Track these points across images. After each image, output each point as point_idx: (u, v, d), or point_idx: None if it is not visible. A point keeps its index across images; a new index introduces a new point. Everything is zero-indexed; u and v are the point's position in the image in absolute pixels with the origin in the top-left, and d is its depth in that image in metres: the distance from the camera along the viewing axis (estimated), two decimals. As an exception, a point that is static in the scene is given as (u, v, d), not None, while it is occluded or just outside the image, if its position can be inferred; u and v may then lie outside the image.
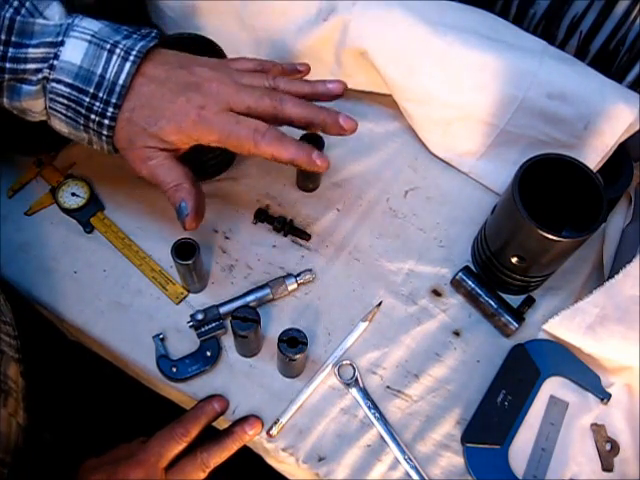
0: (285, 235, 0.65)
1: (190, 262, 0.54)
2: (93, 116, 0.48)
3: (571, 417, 0.57)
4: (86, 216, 0.63)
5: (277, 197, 0.67)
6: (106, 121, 0.48)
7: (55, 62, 0.47)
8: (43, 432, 0.58)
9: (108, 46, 0.48)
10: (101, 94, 0.48)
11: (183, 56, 0.52)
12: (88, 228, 0.63)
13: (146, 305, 0.60)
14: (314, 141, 0.61)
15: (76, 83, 0.47)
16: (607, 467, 0.56)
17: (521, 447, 0.56)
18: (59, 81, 0.47)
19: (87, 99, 0.48)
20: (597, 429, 0.57)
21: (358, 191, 0.68)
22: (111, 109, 0.48)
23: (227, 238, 0.64)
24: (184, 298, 0.61)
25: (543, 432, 0.57)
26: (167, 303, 0.61)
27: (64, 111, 0.49)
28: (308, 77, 0.69)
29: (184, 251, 0.55)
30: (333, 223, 0.66)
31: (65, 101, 0.48)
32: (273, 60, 0.56)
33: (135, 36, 0.49)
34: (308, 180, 0.66)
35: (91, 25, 0.48)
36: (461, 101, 0.65)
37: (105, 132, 0.49)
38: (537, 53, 0.62)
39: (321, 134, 0.61)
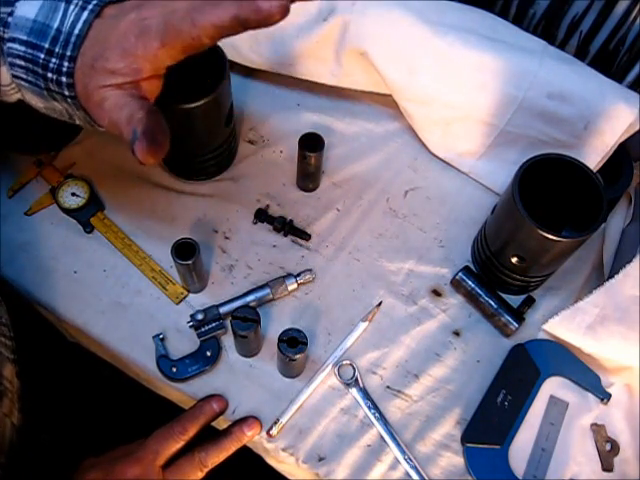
0: (285, 235, 0.65)
1: (190, 262, 0.54)
2: (50, 74, 0.43)
3: (571, 417, 0.57)
4: (86, 216, 0.63)
5: (277, 197, 0.67)
6: (63, 78, 0.43)
7: (9, 19, 0.43)
8: (41, 433, 0.58)
9: None
10: (57, 49, 0.42)
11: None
12: (88, 228, 0.63)
13: (146, 305, 0.60)
14: (314, 141, 0.61)
15: (30, 39, 0.43)
16: (607, 467, 0.56)
17: (521, 447, 0.56)
18: (14, 39, 0.43)
19: (42, 55, 0.43)
20: (597, 429, 0.57)
21: (358, 191, 0.68)
22: (66, 63, 0.42)
23: (227, 238, 0.64)
24: (184, 298, 0.61)
25: (543, 432, 0.57)
26: (167, 303, 0.61)
27: (24, 75, 0.44)
28: (308, 77, 0.69)
29: (184, 251, 0.55)
30: (333, 223, 0.66)
31: (22, 62, 0.43)
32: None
33: None
34: (308, 180, 0.66)
35: None
36: (461, 101, 0.65)
37: (67, 92, 0.43)
38: (537, 53, 0.62)
39: (321, 134, 0.62)
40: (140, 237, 0.63)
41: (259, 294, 0.60)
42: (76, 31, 0.42)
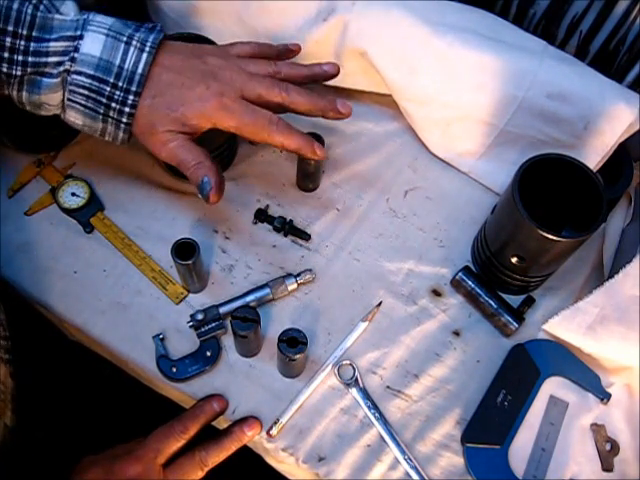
0: (285, 235, 0.65)
1: (190, 262, 0.54)
2: (114, 104, 0.51)
3: (571, 417, 0.57)
4: (86, 216, 0.63)
5: (277, 197, 0.67)
6: (127, 109, 0.51)
7: (76, 55, 0.49)
8: (36, 431, 0.58)
9: (124, 39, 0.50)
10: (121, 83, 0.50)
11: (192, 46, 0.55)
12: (88, 228, 0.63)
13: (146, 305, 0.60)
14: (315, 139, 0.61)
15: (97, 74, 0.50)
16: (607, 467, 0.56)
17: (521, 447, 0.56)
18: (80, 73, 0.50)
19: (108, 88, 0.50)
20: (597, 429, 0.57)
21: (358, 191, 0.68)
22: (131, 97, 0.51)
23: (227, 238, 0.64)
24: (184, 298, 0.61)
25: (543, 432, 0.57)
26: (167, 303, 0.61)
27: (84, 102, 0.51)
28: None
29: (184, 251, 0.55)
30: (333, 223, 0.66)
31: (86, 92, 0.50)
32: (266, 42, 0.59)
33: (143, 29, 0.52)
34: (308, 180, 0.66)
35: (105, 20, 0.51)
36: (461, 101, 0.65)
37: (125, 120, 0.52)
38: (537, 53, 0.62)
39: (321, 134, 0.62)
40: (140, 237, 0.63)
41: (259, 294, 0.60)
42: (139, 70, 0.50)
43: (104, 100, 0.51)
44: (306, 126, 0.70)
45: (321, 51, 0.67)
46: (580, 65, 0.64)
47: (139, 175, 0.67)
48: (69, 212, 0.63)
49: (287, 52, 0.60)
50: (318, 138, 0.62)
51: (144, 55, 0.50)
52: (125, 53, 0.50)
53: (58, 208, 0.63)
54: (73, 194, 0.64)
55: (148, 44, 0.51)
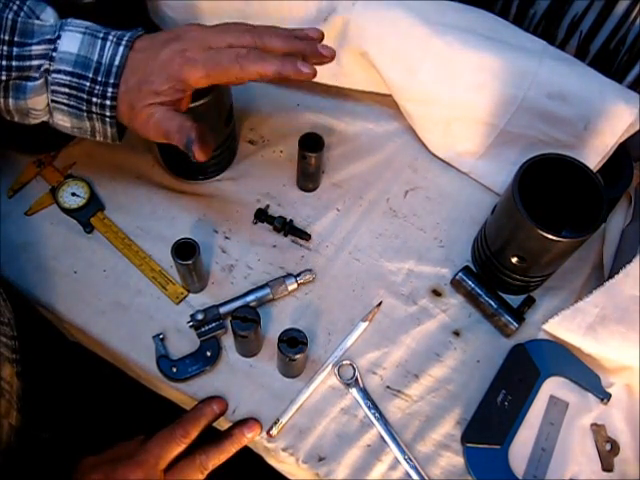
0: (285, 235, 0.65)
1: (190, 262, 0.54)
2: (95, 99, 0.51)
3: (571, 417, 0.57)
4: (86, 216, 0.63)
5: (277, 197, 0.67)
6: (107, 102, 0.51)
7: (54, 54, 0.50)
8: (41, 432, 0.58)
9: (101, 34, 0.51)
10: (100, 77, 0.50)
11: (170, 31, 0.54)
12: (88, 228, 0.63)
13: (146, 305, 0.60)
14: (314, 141, 0.61)
15: (76, 70, 0.50)
16: (607, 467, 0.56)
17: (521, 447, 0.56)
18: (59, 71, 0.50)
19: (87, 84, 0.50)
20: (597, 429, 0.57)
21: (358, 191, 0.68)
22: (110, 89, 0.50)
23: (227, 238, 0.64)
24: (184, 298, 0.61)
25: (543, 432, 0.57)
26: (167, 303, 0.61)
27: (66, 100, 0.51)
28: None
29: (184, 251, 0.55)
30: (333, 223, 0.66)
31: (67, 90, 0.51)
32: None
33: (122, 30, 0.52)
34: (308, 180, 0.66)
35: (82, 22, 0.52)
36: (461, 101, 0.65)
37: (108, 113, 0.52)
38: (537, 53, 0.62)
39: (321, 134, 0.62)
40: (140, 237, 0.63)
41: (259, 294, 0.60)
42: (116, 62, 0.50)
43: (85, 96, 0.51)
44: (305, 126, 0.71)
45: (321, 51, 0.67)
46: (580, 65, 0.64)
47: (139, 175, 0.67)
48: (69, 212, 0.63)
49: (304, 37, 0.54)
50: (318, 138, 0.62)
51: (120, 48, 0.50)
52: (102, 49, 0.50)
53: (58, 208, 0.63)
54: (73, 194, 0.64)
55: (125, 39, 0.51)
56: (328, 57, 0.52)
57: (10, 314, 0.54)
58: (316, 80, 0.69)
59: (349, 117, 0.72)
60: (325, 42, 0.65)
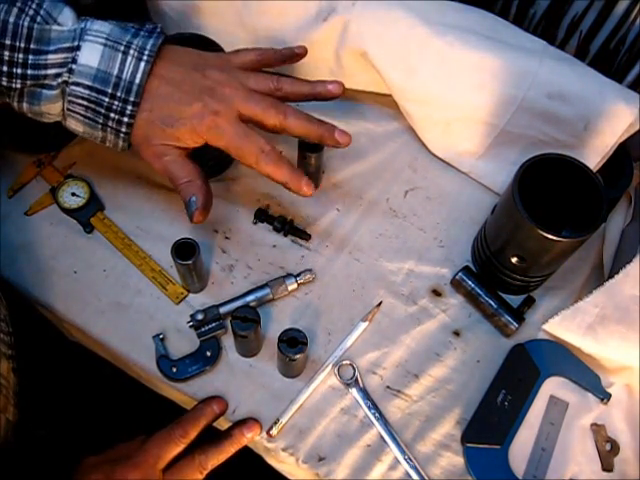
0: (285, 235, 0.65)
1: (190, 262, 0.54)
2: (112, 114, 0.51)
3: (571, 417, 0.57)
4: (86, 216, 0.63)
5: (277, 197, 0.67)
6: (125, 119, 0.51)
7: (74, 66, 0.49)
8: (37, 429, 0.58)
9: (122, 47, 0.50)
10: (119, 93, 0.50)
11: (194, 55, 0.55)
12: (88, 228, 0.63)
13: (146, 305, 0.60)
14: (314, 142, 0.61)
15: (95, 85, 0.50)
16: (607, 467, 0.56)
17: (521, 447, 0.56)
18: (78, 84, 0.50)
19: (106, 99, 0.50)
20: (597, 429, 0.57)
21: (358, 191, 0.68)
22: (130, 107, 0.50)
23: (227, 238, 0.64)
24: (184, 298, 0.61)
25: (543, 432, 0.57)
26: (167, 303, 0.61)
27: (83, 112, 0.51)
28: (309, 77, 0.69)
29: (184, 251, 0.55)
30: (333, 223, 0.66)
31: (84, 102, 0.50)
32: (270, 48, 0.58)
33: (142, 33, 0.51)
34: (308, 180, 0.66)
35: (103, 27, 0.50)
36: (461, 101, 0.65)
37: (124, 129, 0.52)
38: (537, 53, 0.62)
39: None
40: (140, 237, 0.63)
41: (259, 294, 0.60)
42: (137, 81, 0.50)
43: (103, 110, 0.50)
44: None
45: (321, 51, 0.67)
46: (580, 65, 0.64)
47: (139, 175, 0.67)
48: (69, 212, 0.63)
49: (293, 56, 0.58)
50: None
51: (142, 64, 0.50)
52: (123, 63, 0.50)
53: (58, 208, 0.63)
54: (73, 194, 0.64)
55: (146, 52, 0.50)
56: (342, 144, 0.55)
57: (5, 310, 0.54)
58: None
59: (349, 117, 0.72)
60: (325, 42, 0.66)
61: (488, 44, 0.63)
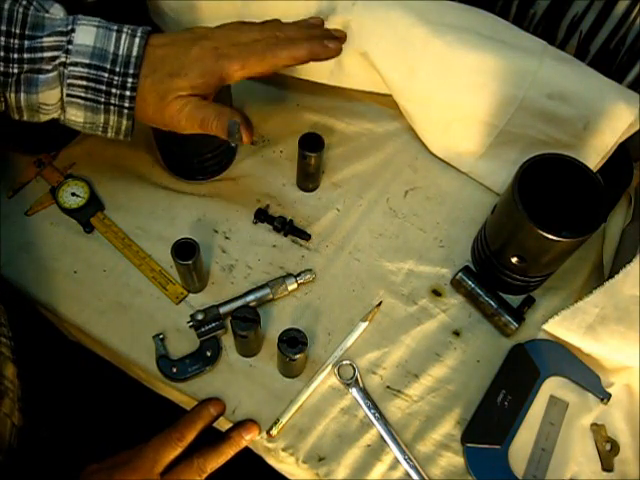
0: (285, 235, 0.65)
1: (190, 262, 0.54)
2: (114, 90, 0.51)
3: (571, 417, 0.57)
4: (86, 216, 0.63)
5: (277, 197, 0.67)
6: (127, 92, 0.51)
7: (70, 47, 0.50)
8: (40, 430, 0.58)
9: (115, 27, 0.51)
10: (118, 68, 0.50)
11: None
12: (88, 228, 0.63)
13: (146, 305, 0.60)
14: (314, 141, 0.61)
15: (93, 61, 0.50)
16: (607, 467, 0.56)
17: (521, 447, 0.56)
18: (76, 63, 0.50)
19: (106, 74, 0.50)
20: (597, 429, 0.57)
21: (358, 191, 0.68)
22: (130, 79, 0.51)
23: (227, 238, 0.64)
24: (184, 298, 0.61)
25: (543, 432, 0.57)
26: (167, 303, 0.61)
27: (83, 94, 0.51)
28: (308, 77, 0.69)
29: (184, 251, 0.55)
30: (333, 223, 0.66)
31: (84, 82, 0.50)
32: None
33: (132, 25, 0.53)
34: (308, 180, 0.66)
35: (93, 17, 0.52)
36: (461, 101, 0.65)
37: (127, 104, 0.52)
38: (537, 53, 0.62)
39: (321, 134, 0.62)
40: (140, 237, 0.63)
41: (259, 294, 0.60)
42: (134, 53, 0.51)
43: (104, 87, 0.50)
44: (305, 126, 0.71)
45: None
46: (580, 65, 0.64)
47: (139, 175, 0.67)
48: (69, 212, 0.63)
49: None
50: (318, 138, 0.62)
51: (136, 40, 0.51)
52: (118, 40, 0.50)
53: (58, 208, 0.63)
54: (73, 194, 0.64)
55: (139, 31, 0.51)
56: (334, 52, 0.56)
57: (5, 315, 0.54)
58: (316, 80, 0.70)
59: (349, 117, 0.72)
60: (325, 42, 0.66)
61: (488, 44, 0.62)
